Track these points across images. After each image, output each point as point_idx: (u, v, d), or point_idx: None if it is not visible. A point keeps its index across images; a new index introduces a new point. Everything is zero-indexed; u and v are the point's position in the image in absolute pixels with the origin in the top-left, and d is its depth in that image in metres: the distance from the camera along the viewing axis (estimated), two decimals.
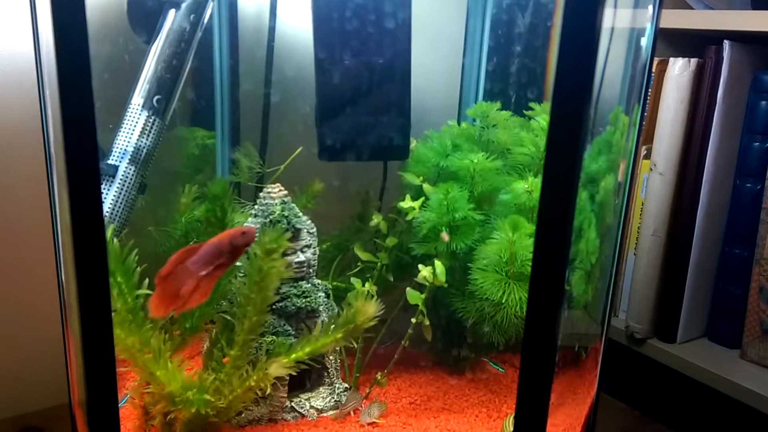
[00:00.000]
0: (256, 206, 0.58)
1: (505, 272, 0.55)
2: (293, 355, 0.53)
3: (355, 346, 0.57)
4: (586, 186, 0.49)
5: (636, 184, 1.01)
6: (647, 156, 0.98)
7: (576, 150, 0.33)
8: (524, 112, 0.65)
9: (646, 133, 0.99)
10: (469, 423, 0.57)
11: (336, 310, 0.60)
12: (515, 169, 0.60)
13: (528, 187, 0.55)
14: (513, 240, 0.53)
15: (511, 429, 0.39)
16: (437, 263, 0.56)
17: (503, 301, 0.54)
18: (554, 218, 0.34)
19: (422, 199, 0.60)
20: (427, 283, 0.57)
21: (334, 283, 0.65)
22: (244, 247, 0.47)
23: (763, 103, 0.89)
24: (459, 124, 0.69)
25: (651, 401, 0.89)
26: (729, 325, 0.94)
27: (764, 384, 0.83)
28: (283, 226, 0.55)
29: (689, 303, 0.94)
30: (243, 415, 0.55)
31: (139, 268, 0.48)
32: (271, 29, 0.68)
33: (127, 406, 0.57)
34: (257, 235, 0.50)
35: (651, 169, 0.94)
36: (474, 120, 0.67)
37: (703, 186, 0.91)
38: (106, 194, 0.53)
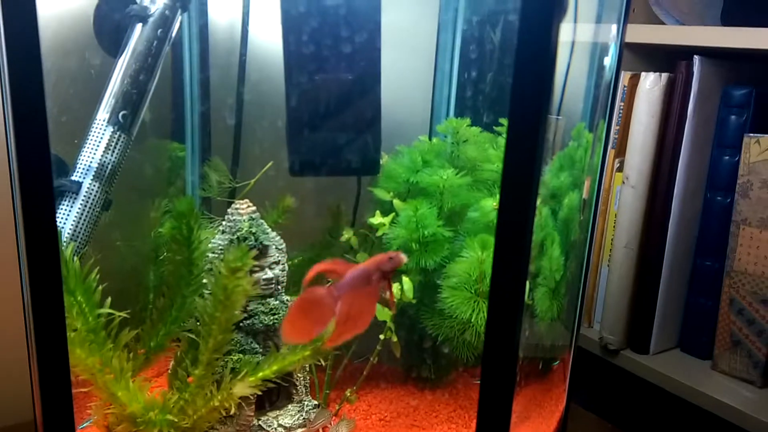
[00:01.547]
0: (224, 222, 0.57)
1: (474, 290, 0.55)
2: (260, 374, 0.53)
3: (324, 364, 0.56)
4: (548, 202, 0.49)
5: (609, 198, 1.02)
6: (620, 169, 1.00)
7: (533, 164, 0.33)
8: (494, 128, 0.65)
9: (619, 146, 1.00)
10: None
11: None
12: (484, 185, 0.60)
13: (496, 205, 0.55)
14: (482, 259, 0.53)
15: None
16: (405, 279, 0.56)
17: (472, 320, 0.54)
18: (513, 232, 0.35)
19: (392, 215, 0.60)
20: (395, 300, 0.57)
21: None
22: (392, 272, 0.44)
23: (733, 117, 0.91)
24: (430, 139, 0.69)
25: (624, 412, 0.90)
26: (700, 336, 0.95)
27: (734, 395, 0.84)
28: (251, 243, 0.54)
29: (661, 314, 0.95)
30: None
31: (100, 287, 0.47)
32: (243, 44, 0.68)
33: (92, 426, 0.56)
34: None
35: (623, 182, 0.96)
36: (445, 136, 0.67)
37: (674, 199, 0.92)
38: (70, 211, 0.53)
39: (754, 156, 0.88)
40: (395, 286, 0.56)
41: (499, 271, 0.35)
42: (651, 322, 0.95)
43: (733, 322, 0.89)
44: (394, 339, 0.57)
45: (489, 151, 0.61)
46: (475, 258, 0.54)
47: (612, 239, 0.99)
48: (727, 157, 0.91)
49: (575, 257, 0.55)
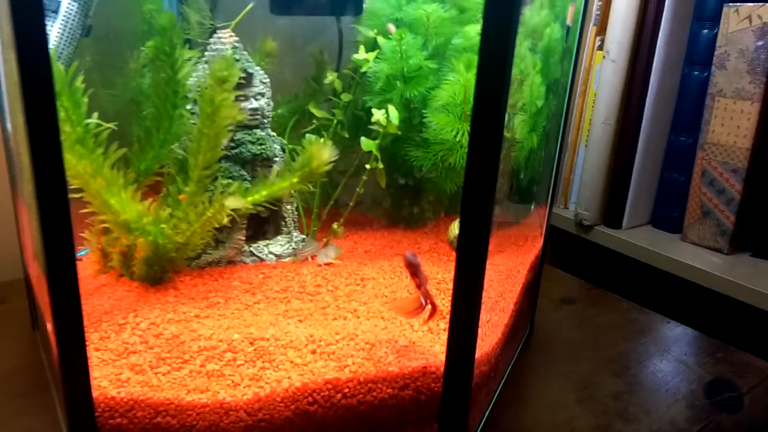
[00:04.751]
0: (206, 52, 0.56)
1: (458, 114, 0.55)
2: (249, 198, 0.54)
3: (312, 189, 0.57)
4: (528, 36, 0.49)
5: (589, 77, 1.02)
6: (601, 47, 1.00)
7: None
8: None
9: (600, 24, 1.00)
10: (421, 263, 0.59)
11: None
12: (470, 20, 0.60)
13: (480, 30, 0.54)
14: (467, 79, 0.53)
15: (456, 233, 0.41)
16: (390, 107, 0.57)
17: (457, 141, 0.55)
18: (494, 56, 0.36)
19: (376, 51, 0.60)
20: (380, 129, 0.58)
21: (290, 146, 0.65)
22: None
23: None
24: None
25: (597, 279, 0.94)
26: (672, 211, 0.98)
27: (702, 260, 0.88)
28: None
29: (635, 191, 0.98)
30: (202, 258, 0.56)
31: (86, 99, 0.47)
32: None
33: (87, 255, 0.57)
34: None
35: (604, 58, 0.96)
36: None
37: (653, 73, 0.93)
38: (50, 30, 0.51)
39: (732, 26, 0.88)
40: (381, 113, 0.57)
41: (481, 95, 0.36)
42: (625, 198, 0.99)
43: (703, 194, 0.92)
44: (380, 166, 0.58)
45: None
46: (460, 80, 0.54)
47: (590, 119, 1.01)
48: (705, 31, 0.92)
49: (557, 89, 0.56)
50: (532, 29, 0.49)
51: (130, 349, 0.46)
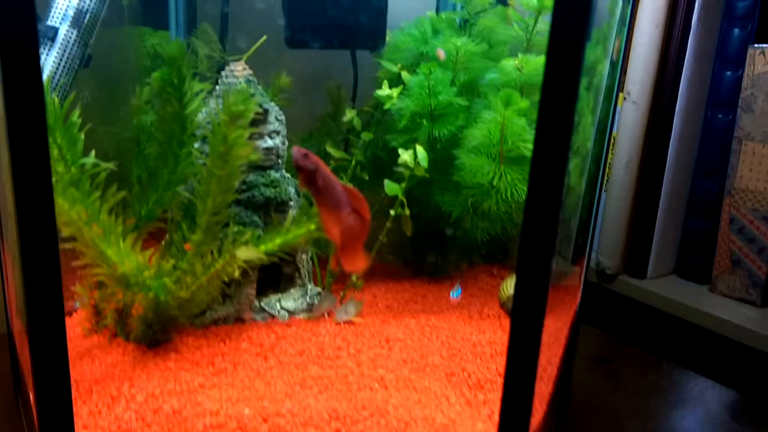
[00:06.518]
0: (217, 86, 0.51)
1: (494, 155, 0.50)
2: (262, 247, 0.48)
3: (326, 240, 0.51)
4: (585, 74, 0.45)
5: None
6: (620, 89, 0.97)
7: (582, 33, 0.30)
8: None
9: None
10: (450, 321, 0.53)
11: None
12: (501, 54, 0.55)
13: (518, 64, 0.50)
14: (505, 115, 0.48)
15: (510, 293, 0.35)
16: (418, 148, 0.51)
17: (494, 185, 0.49)
18: (558, 104, 0.32)
19: (400, 87, 0.55)
20: (407, 172, 0.52)
21: (305, 190, 0.59)
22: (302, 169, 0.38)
23: (736, 30, 0.89)
24: (437, 13, 0.63)
25: (623, 334, 0.88)
26: (698, 260, 0.93)
27: (735, 314, 0.82)
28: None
29: (659, 238, 0.93)
30: (206, 314, 0.49)
31: (82, 134, 0.41)
32: None
33: (78, 310, 0.50)
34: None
35: (625, 99, 0.93)
36: (454, 6, 0.62)
37: (676, 115, 0.90)
38: (46, 58, 0.46)
39: (758, 68, 0.85)
40: (408, 153, 0.51)
41: (543, 138, 0.32)
42: (649, 246, 0.93)
43: (732, 242, 0.87)
44: (407, 213, 0.53)
45: (509, 10, 0.56)
46: (497, 118, 0.49)
47: (611, 162, 0.96)
48: (729, 73, 0.89)
49: (601, 130, 0.52)
50: (588, 67, 0.45)
51: (124, 427, 0.39)
